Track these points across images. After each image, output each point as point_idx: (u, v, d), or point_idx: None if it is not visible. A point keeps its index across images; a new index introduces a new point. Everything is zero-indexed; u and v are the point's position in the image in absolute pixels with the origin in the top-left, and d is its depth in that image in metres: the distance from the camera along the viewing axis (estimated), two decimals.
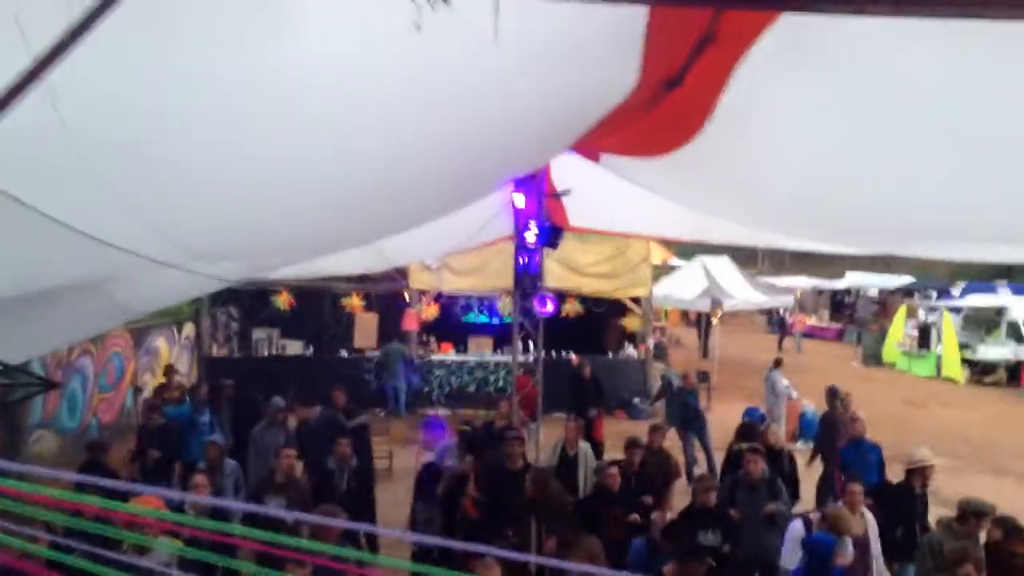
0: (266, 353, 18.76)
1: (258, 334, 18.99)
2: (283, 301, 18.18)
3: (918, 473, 8.02)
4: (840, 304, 40.49)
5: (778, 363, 16.64)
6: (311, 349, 18.82)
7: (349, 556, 2.97)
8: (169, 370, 14.62)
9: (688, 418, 13.25)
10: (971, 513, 6.83)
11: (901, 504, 7.76)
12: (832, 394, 11.59)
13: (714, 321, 24.73)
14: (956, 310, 26.53)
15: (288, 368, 17.28)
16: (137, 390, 15.09)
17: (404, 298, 18.53)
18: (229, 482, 8.55)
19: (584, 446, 9.38)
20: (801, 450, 12.85)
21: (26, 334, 5.17)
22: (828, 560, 6.41)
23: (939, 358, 25.98)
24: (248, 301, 18.72)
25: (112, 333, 13.96)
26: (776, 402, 15.72)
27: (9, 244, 3.66)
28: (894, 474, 8.82)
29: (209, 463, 8.61)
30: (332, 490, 8.00)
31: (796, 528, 6.89)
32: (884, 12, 2.58)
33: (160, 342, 16.46)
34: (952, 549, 6.55)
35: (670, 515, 7.96)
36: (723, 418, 13.79)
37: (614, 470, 8.00)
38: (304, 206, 4.22)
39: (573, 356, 17.72)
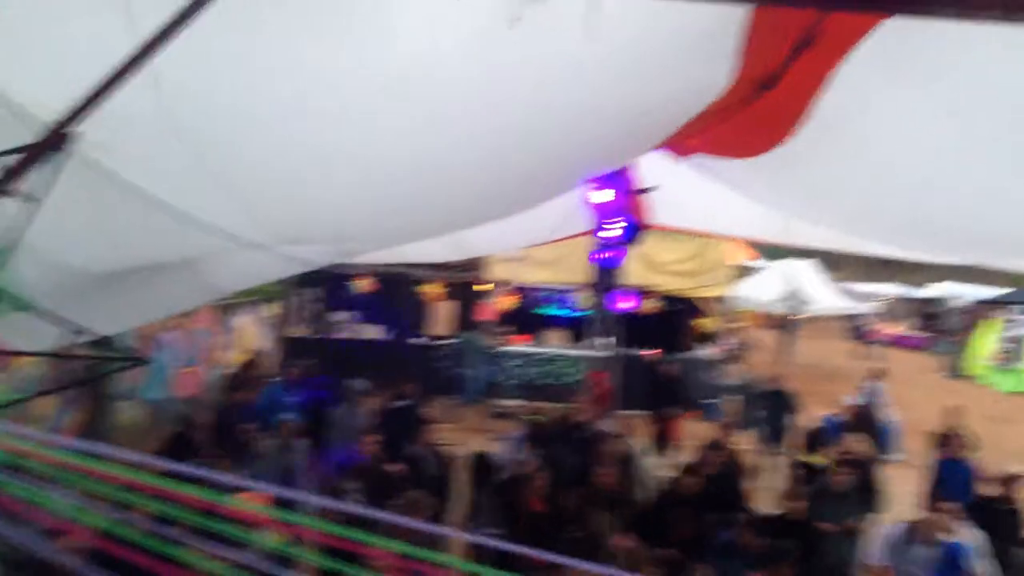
0: (344, 336, 19.04)
1: (337, 316, 19.28)
2: (363, 285, 18.41)
3: (1014, 485, 7.78)
4: (927, 313, 39.26)
5: (878, 375, 16.31)
6: (388, 333, 19.03)
7: (423, 556, 2.97)
8: (253, 350, 14.95)
9: (777, 423, 12.90)
10: None
11: (998, 519, 7.50)
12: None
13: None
14: None
15: (365, 351, 17.50)
16: (220, 366, 15.49)
17: (482, 287, 18.60)
18: (300, 460, 8.69)
19: (639, 444, 9.36)
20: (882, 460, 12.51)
21: (119, 308, 5.36)
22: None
23: None
24: (329, 284, 19.00)
25: (199, 310, 14.35)
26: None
27: (109, 221, 3.80)
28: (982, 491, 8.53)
29: (281, 441, 8.77)
30: (421, 474, 8.04)
31: (896, 529, 6.80)
32: (993, 17, 2.50)
33: (244, 320, 16.85)
34: None
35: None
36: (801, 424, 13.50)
37: (690, 480, 7.90)
38: (391, 196, 4.28)
39: (643, 352, 17.63)
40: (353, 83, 2.84)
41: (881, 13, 2.69)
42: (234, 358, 15.69)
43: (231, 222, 4.12)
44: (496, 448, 9.26)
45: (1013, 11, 2.40)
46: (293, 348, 17.79)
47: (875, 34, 2.98)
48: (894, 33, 2.95)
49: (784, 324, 26.23)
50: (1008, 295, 32.96)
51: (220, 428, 9.93)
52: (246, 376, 13.05)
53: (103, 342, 3.60)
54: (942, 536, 6.61)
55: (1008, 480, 7.86)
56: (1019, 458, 14.29)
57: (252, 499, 5.17)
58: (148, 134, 2.96)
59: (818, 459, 9.36)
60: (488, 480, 8.26)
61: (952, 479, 8.81)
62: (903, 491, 10.07)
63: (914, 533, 6.66)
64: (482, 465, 8.55)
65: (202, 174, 3.35)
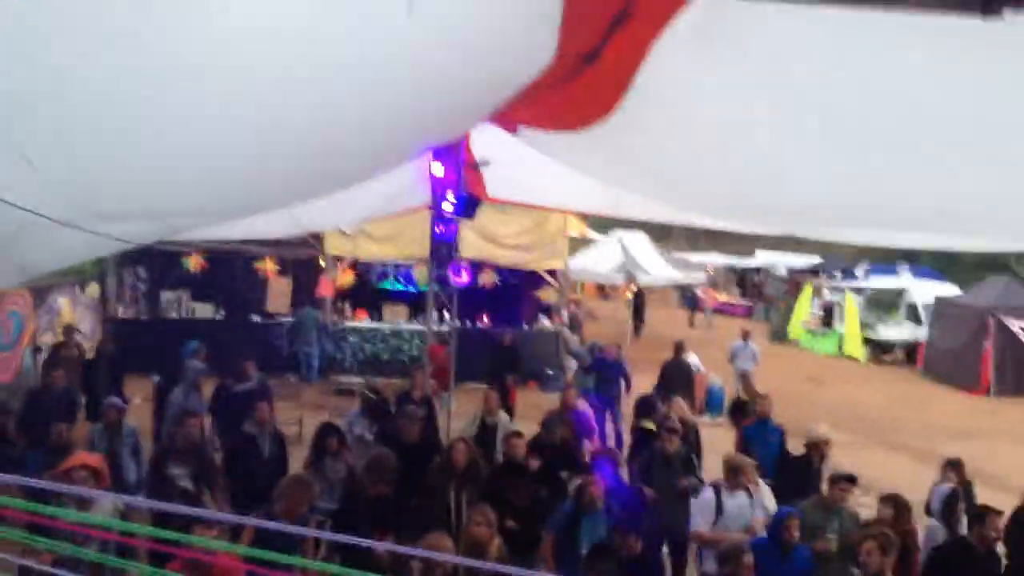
0: (175, 316, 18.31)
1: (167, 296, 18.51)
2: (194, 263, 17.76)
3: (816, 448, 8.31)
4: (750, 282, 41.46)
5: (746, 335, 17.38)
6: (222, 313, 18.45)
7: (265, 556, 2.93)
8: (68, 330, 14.15)
9: (610, 391, 13.35)
10: (832, 481, 7.06)
11: (799, 478, 8.01)
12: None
13: (627, 296, 25.11)
14: (859, 291, 27.45)
15: (198, 331, 16.89)
16: (36, 350, 14.61)
17: (319, 263, 18.30)
18: (127, 445, 8.38)
19: (503, 416, 9.47)
20: (708, 424, 13.19)
21: None
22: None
23: (841, 337, 26.91)
24: (157, 262, 18.22)
25: (11, 291, 13.45)
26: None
27: None
28: (793, 449, 9.11)
29: (108, 425, 8.44)
30: (254, 454, 7.88)
31: (707, 494, 7.15)
32: None
33: (62, 301, 15.93)
34: (813, 522, 6.71)
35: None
36: (636, 392, 14.01)
37: (520, 440, 8.06)
38: (216, 168, 4.12)
39: (481, 324, 17.85)
40: (165, 47, 2.73)
41: None
42: (51, 341, 14.82)
43: (36, 197, 3.88)
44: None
45: None
46: (119, 330, 16.99)
47: (691, 7, 3.08)
48: (710, 7, 3.07)
49: (638, 296, 27.14)
50: (820, 264, 35.27)
51: (32, 414, 9.45)
52: (59, 359, 12.35)
53: None
54: (749, 484, 7.04)
55: (812, 443, 8.40)
56: (830, 414, 15.41)
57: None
58: None
59: (649, 424, 9.75)
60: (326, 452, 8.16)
61: (760, 440, 9.33)
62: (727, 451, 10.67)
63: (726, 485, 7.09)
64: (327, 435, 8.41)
65: (4, 146, 3.14)
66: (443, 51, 3.19)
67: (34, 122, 3.11)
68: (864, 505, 8.06)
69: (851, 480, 7.00)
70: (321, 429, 8.45)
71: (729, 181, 5.40)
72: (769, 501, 7.24)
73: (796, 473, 8.17)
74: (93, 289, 17.39)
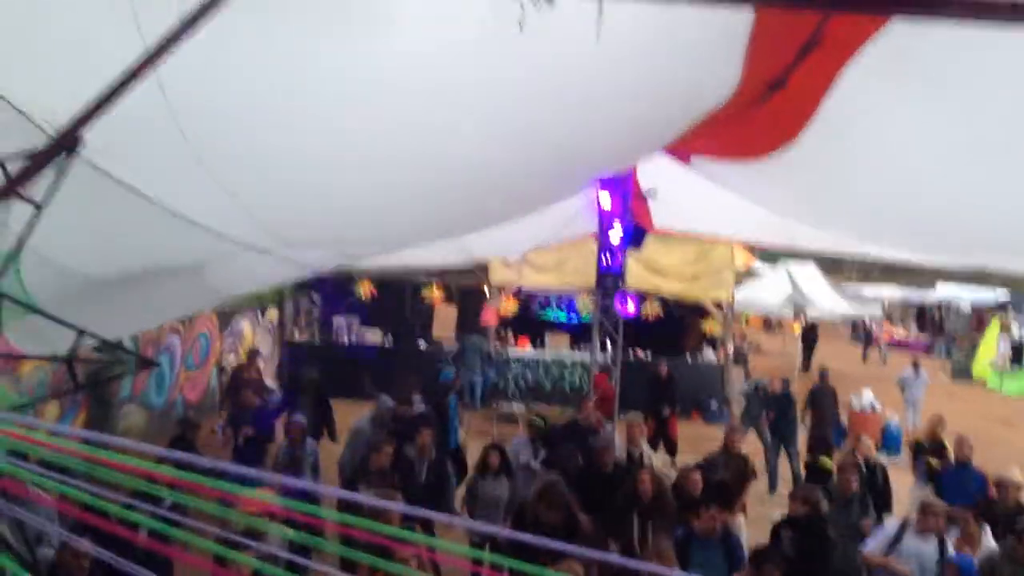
0: (346, 341, 19.03)
1: (338, 321, 19.27)
2: (365, 290, 18.42)
3: (1005, 491, 7.78)
4: (930, 317, 39.24)
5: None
6: (390, 339, 19.03)
7: (435, 544, 3.00)
8: (251, 353, 14.94)
9: (782, 427, 12.90)
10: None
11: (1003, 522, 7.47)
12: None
13: (794, 331, 24.26)
14: None
15: (367, 356, 17.52)
16: (220, 370, 15.50)
17: (484, 292, 18.61)
18: (308, 462, 8.77)
19: (646, 447, 9.32)
20: (886, 463, 12.52)
21: (123, 312, 5.36)
22: None
23: None
24: (330, 289, 19.01)
25: (200, 315, 14.37)
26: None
27: (113, 226, 3.80)
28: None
29: (291, 440, 8.86)
30: (411, 479, 8.06)
31: (890, 527, 6.96)
32: (1002, 19, 2.50)
33: (244, 325, 16.87)
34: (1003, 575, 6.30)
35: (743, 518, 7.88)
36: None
37: (697, 475, 7.88)
38: (394, 199, 4.28)
39: (644, 355, 17.65)
40: (356, 85, 2.85)
41: (884, 15, 2.69)
42: (234, 362, 15.70)
43: (234, 226, 4.13)
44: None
45: (1021, 12, 2.41)
46: (294, 353, 17.79)
47: (880, 37, 2.98)
48: (899, 36, 2.95)
49: (806, 328, 26.29)
50: (1008, 299, 32.97)
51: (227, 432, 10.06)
52: (241, 380, 13.05)
53: (108, 346, 3.60)
54: (936, 531, 6.66)
55: (1001, 486, 7.87)
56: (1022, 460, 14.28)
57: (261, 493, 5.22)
58: (152, 139, 2.97)
59: (826, 462, 9.38)
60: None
61: (958, 487, 8.78)
62: (906, 492, 10.09)
63: (915, 526, 6.76)
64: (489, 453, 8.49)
65: (205, 178, 3.35)
66: (627, 79, 3.19)
67: (232, 157, 3.31)
68: None
69: None
70: (485, 449, 8.56)
71: (917, 212, 5.15)
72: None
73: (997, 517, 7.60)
74: (272, 314, 18.32)
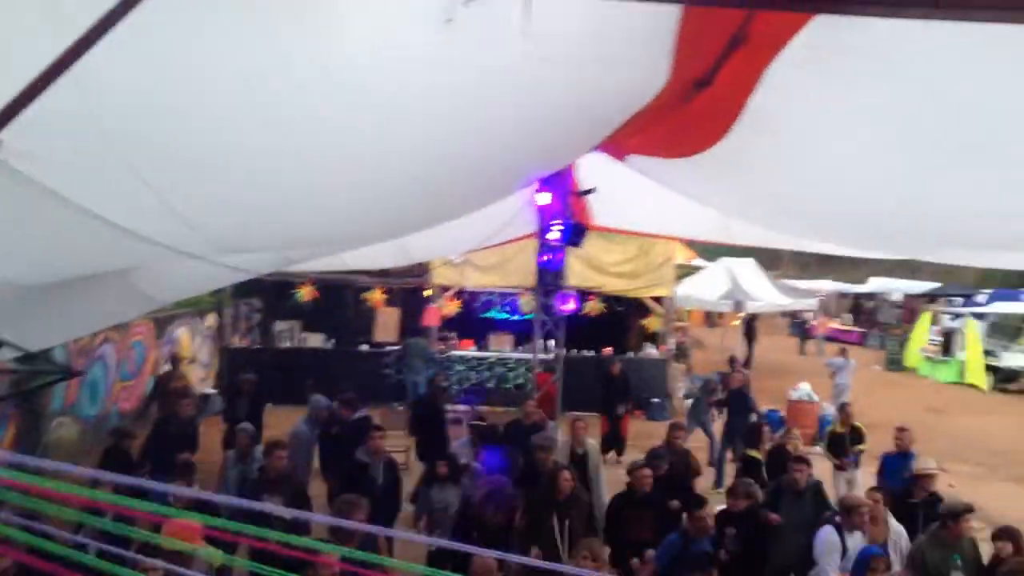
0: (287, 345, 18.84)
1: (280, 326, 19.06)
2: (306, 294, 18.24)
3: (920, 481, 7.99)
4: (864, 309, 40.17)
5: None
6: (332, 342, 18.88)
7: (368, 559, 2.94)
8: (175, 360, 14.59)
9: (736, 422, 12.93)
10: (948, 516, 6.72)
11: (899, 512, 7.65)
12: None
13: (733, 324, 24.63)
14: (981, 316, 26.25)
15: (308, 360, 17.36)
16: (157, 379, 15.21)
17: (426, 293, 18.56)
18: (256, 471, 8.61)
19: (591, 444, 9.36)
20: (820, 454, 12.75)
21: (49, 321, 5.22)
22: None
23: (962, 364, 25.73)
24: (270, 293, 18.80)
25: (134, 322, 14.07)
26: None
27: (36, 232, 3.69)
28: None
29: (239, 451, 8.68)
30: (369, 482, 7.96)
31: (831, 534, 6.90)
32: (920, 15, 2.56)
33: (181, 332, 16.57)
34: (933, 560, 6.47)
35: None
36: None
37: (647, 471, 7.90)
38: (331, 201, 4.24)
39: (587, 352, 17.76)
40: (285, 85, 2.81)
41: (806, 11, 2.74)
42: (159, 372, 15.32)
43: (166, 231, 4.04)
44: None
45: (939, 8, 2.46)
46: (233, 359, 17.56)
47: (804, 33, 3.02)
48: (823, 32, 3.00)
49: (748, 325, 26.73)
50: (938, 288, 33.92)
51: (156, 441, 9.77)
52: (166, 390, 12.76)
53: (33, 357, 3.49)
54: (873, 524, 6.82)
55: (918, 477, 8.09)
56: (953, 446, 14.73)
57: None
58: (75, 140, 2.89)
59: (756, 454, 9.54)
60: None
61: (896, 471, 9.03)
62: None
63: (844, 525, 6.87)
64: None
65: (133, 181, 3.27)
66: (557, 77, 3.20)
67: (161, 160, 3.24)
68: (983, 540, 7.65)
69: (968, 510, 6.70)
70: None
71: (844, 206, 5.25)
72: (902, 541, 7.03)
73: (896, 507, 7.78)
74: (211, 320, 18.04)
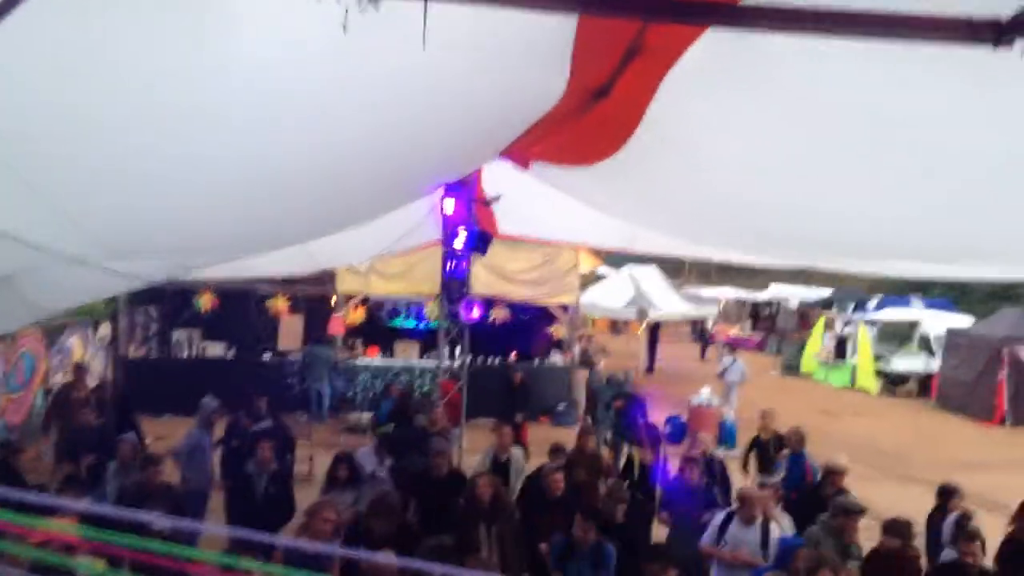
0: (186, 355, 18.32)
1: (178, 335, 18.51)
2: (205, 302, 17.79)
3: (830, 479, 8.26)
4: (762, 315, 41.35)
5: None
6: (233, 351, 18.45)
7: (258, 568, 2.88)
8: (78, 369, 14.10)
9: (630, 426, 13.11)
10: (842, 511, 7.07)
11: (811, 508, 7.91)
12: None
13: (637, 332, 25.05)
14: (872, 323, 27.33)
15: (209, 370, 16.91)
16: (48, 391, 14.60)
17: (330, 301, 18.32)
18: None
19: (516, 451, 9.40)
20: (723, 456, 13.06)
21: None
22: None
23: (854, 369, 26.74)
24: (169, 301, 18.26)
25: (23, 332, 13.48)
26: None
27: None
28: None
29: (122, 462, 8.42)
30: (249, 495, 7.86)
31: (718, 518, 7.26)
32: (807, 30, 2.65)
33: (73, 341, 15.96)
34: (828, 548, 6.72)
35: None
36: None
37: (559, 475, 7.98)
38: (228, 205, 4.15)
39: (493, 360, 17.82)
40: (177, 88, 2.74)
41: (700, 24, 2.80)
42: (61, 382, 14.79)
43: (51, 235, 3.89)
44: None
45: (824, 24, 2.56)
46: (129, 370, 17.01)
47: (701, 43, 3.09)
48: (718, 45, 3.08)
49: (652, 332, 27.21)
50: (832, 295, 35.19)
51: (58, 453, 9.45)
52: (69, 399, 12.30)
53: None
54: (760, 517, 7.08)
55: (828, 472, 8.38)
56: (844, 447, 15.24)
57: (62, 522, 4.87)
58: None
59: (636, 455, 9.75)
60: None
61: (792, 472, 9.35)
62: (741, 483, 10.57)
63: (737, 515, 7.16)
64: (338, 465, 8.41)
65: (17, 183, 3.14)
66: (455, 87, 3.20)
67: (47, 160, 3.12)
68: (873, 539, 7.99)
69: (860, 512, 7.08)
70: (334, 460, 8.47)
71: (741, 215, 5.39)
72: (786, 531, 7.27)
73: (807, 503, 8.07)
74: (105, 329, 17.42)
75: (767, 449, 10.97)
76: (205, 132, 3.10)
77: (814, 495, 8.21)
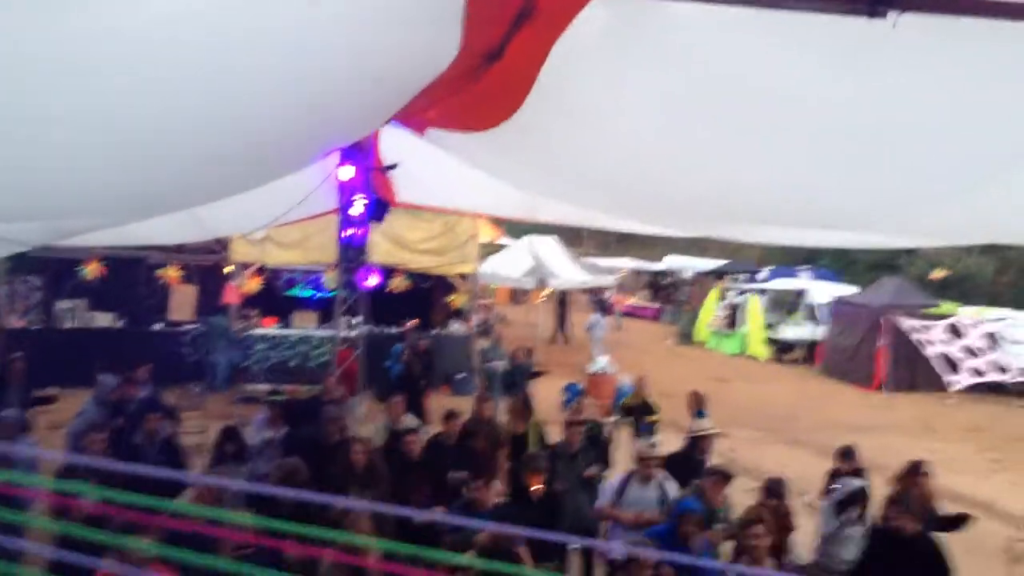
0: (71, 325, 17.62)
1: (63, 305, 17.78)
2: (92, 271, 17.12)
3: (699, 442, 8.53)
4: (659, 285, 42.20)
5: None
6: (123, 321, 17.85)
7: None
8: None
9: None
10: (710, 474, 7.36)
11: (684, 469, 8.12)
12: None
13: (537, 300, 25.25)
14: (762, 292, 28.22)
15: (96, 341, 16.31)
16: None
17: (225, 270, 17.89)
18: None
19: (410, 421, 9.36)
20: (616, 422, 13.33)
21: None
22: None
23: (745, 337, 27.60)
24: (52, 270, 17.52)
25: None
26: None
27: None
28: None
29: (4, 439, 8.05)
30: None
31: (615, 480, 7.52)
32: None
33: None
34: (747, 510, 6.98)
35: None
36: (545, 394, 14.07)
37: (412, 436, 8.08)
38: (103, 167, 3.97)
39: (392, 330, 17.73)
40: (55, 43, 2.61)
41: None
42: None
43: None
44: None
45: None
46: (9, 341, 16.29)
47: (592, 7, 3.09)
48: (612, 8, 3.09)
49: (560, 300, 27.54)
50: (726, 265, 36.16)
51: None
52: None
53: None
54: (657, 476, 7.30)
55: (696, 434, 8.67)
56: (735, 412, 15.78)
57: None
58: None
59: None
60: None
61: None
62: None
63: (635, 476, 7.34)
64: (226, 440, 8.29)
65: None
66: (344, 46, 3.14)
67: None
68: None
69: (727, 479, 7.29)
70: (220, 433, 8.33)
71: (634, 183, 5.46)
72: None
73: (680, 465, 8.28)
74: None
75: (634, 414, 11.44)
76: (78, 89, 2.97)
77: (685, 459, 8.44)
